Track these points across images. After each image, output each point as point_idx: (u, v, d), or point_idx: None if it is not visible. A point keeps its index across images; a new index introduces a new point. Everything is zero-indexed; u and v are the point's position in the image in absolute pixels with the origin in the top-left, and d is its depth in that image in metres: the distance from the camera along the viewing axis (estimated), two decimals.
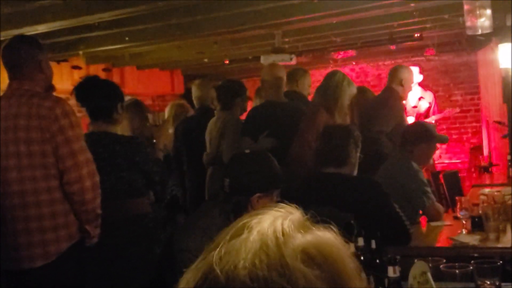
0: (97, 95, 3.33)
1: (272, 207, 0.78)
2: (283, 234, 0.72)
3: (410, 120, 7.86)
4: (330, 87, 4.09)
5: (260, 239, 0.71)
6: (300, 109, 4.40)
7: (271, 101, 4.43)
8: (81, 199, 2.78)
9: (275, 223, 0.73)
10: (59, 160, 2.75)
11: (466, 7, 4.07)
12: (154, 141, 3.70)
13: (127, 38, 5.90)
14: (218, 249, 0.72)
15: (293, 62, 6.21)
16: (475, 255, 2.71)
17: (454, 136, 9.29)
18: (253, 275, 0.67)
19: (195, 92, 5.20)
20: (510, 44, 5.68)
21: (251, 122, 4.44)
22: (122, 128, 3.71)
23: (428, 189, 3.71)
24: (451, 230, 3.39)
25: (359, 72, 10.09)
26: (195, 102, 5.23)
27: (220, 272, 0.69)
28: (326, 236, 0.74)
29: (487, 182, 5.63)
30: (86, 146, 2.84)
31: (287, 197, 0.85)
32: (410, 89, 5.31)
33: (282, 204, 0.79)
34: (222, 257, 0.71)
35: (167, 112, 5.54)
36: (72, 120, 2.79)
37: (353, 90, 4.19)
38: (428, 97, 7.15)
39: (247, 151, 2.57)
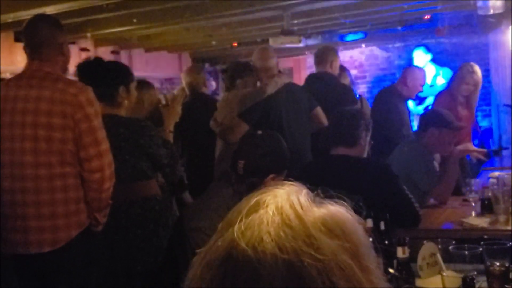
0: (99, 79, 3.20)
1: (278, 185, 0.78)
2: (301, 207, 0.72)
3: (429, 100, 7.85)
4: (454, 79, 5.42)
5: (280, 213, 0.71)
6: (298, 89, 4.39)
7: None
8: (99, 187, 2.76)
9: (291, 198, 0.74)
10: (81, 148, 2.70)
11: None
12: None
13: (135, 20, 5.89)
14: (237, 225, 0.72)
15: (301, 44, 6.18)
16: (485, 237, 2.70)
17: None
18: (282, 246, 0.68)
19: (185, 78, 5.18)
20: None
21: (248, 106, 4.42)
22: (137, 109, 3.67)
23: (432, 172, 3.69)
24: (460, 213, 3.38)
25: (369, 55, 10.02)
26: (186, 88, 5.21)
27: (246, 246, 0.69)
28: (341, 210, 0.76)
29: (497, 165, 5.62)
30: (106, 135, 2.79)
31: (296, 179, 0.84)
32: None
33: (287, 182, 0.80)
34: (244, 232, 0.70)
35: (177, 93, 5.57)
36: (96, 108, 2.74)
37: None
38: (446, 73, 7.02)
39: (259, 132, 2.54)
